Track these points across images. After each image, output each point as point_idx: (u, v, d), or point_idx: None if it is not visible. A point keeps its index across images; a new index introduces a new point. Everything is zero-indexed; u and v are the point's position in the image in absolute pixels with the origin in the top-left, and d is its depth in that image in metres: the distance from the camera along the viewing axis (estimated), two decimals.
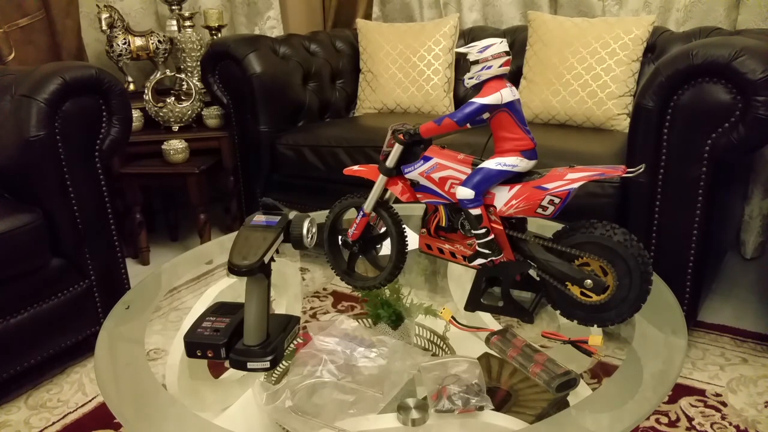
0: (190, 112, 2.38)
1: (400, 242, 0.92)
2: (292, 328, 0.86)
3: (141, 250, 2.34)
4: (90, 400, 1.49)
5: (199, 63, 2.40)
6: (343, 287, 1.97)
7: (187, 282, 1.33)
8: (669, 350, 0.86)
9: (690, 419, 1.33)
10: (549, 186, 0.77)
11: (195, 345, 0.83)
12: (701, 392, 1.42)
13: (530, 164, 0.80)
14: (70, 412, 1.45)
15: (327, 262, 1.00)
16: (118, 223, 1.69)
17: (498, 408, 0.88)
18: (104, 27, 2.37)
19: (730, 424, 1.31)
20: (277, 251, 0.81)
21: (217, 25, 2.51)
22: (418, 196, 0.89)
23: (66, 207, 1.53)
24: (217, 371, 1.08)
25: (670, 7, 2.21)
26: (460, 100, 2.38)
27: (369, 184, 0.91)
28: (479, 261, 0.85)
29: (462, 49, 0.79)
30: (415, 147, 0.87)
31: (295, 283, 1.25)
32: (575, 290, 0.79)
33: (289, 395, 0.84)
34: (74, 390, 1.54)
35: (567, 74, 2.02)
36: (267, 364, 0.79)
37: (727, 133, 1.35)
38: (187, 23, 2.46)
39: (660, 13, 2.21)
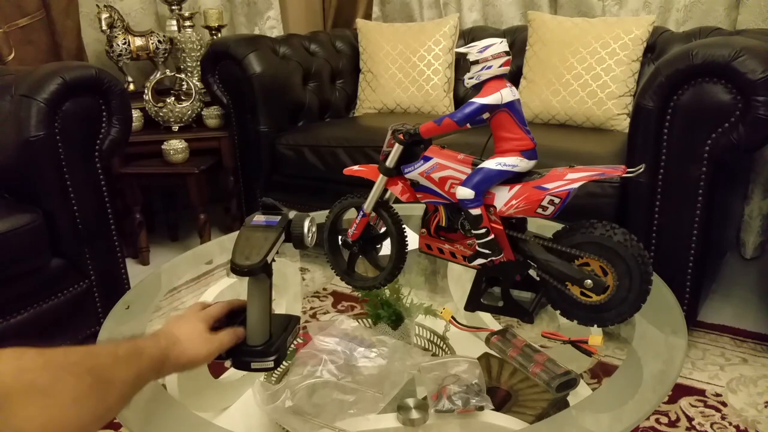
0: (190, 112, 2.38)
1: (400, 242, 0.92)
2: (293, 327, 0.86)
3: (141, 250, 2.34)
4: None
5: (199, 63, 2.40)
6: (343, 287, 1.97)
7: (187, 282, 1.33)
8: (669, 350, 0.86)
9: (690, 419, 1.33)
10: (549, 186, 0.77)
11: None
12: (701, 392, 1.42)
13: (530, 164, 0.80)
14: None
15: (327, 262, 1.00)
16: (118, 223, 1.69)
17: (498, 408, 0.88)
18: (104, 27, 2.37)
19: (730, 424, 1.31)
20: (277, 251, 0.81)
21: (217, 25, 2.51)
22: (418, 196, 0.89)
23: (66, 207, 1.53)
24: (217, 371, 1.08)
25: (670, 7, 2.21)
26: (460, 100, 2.38)
27: (369, 184, 0.91)
28: (479, 261, 0.85)
29: (462, 49, 0.79)
30: (415, 147, 0.87)
31: (295, 283, 1.25)
32: (575, 290, 0.79)
33: (289, 395, 0.84)
34: None
35: (567, 74, 2.02)
36: (271, 364, 0.79)
37: (727, 133, 1.35)
38: (187, 23, 2.46)
39: (660, 13, 2.21)
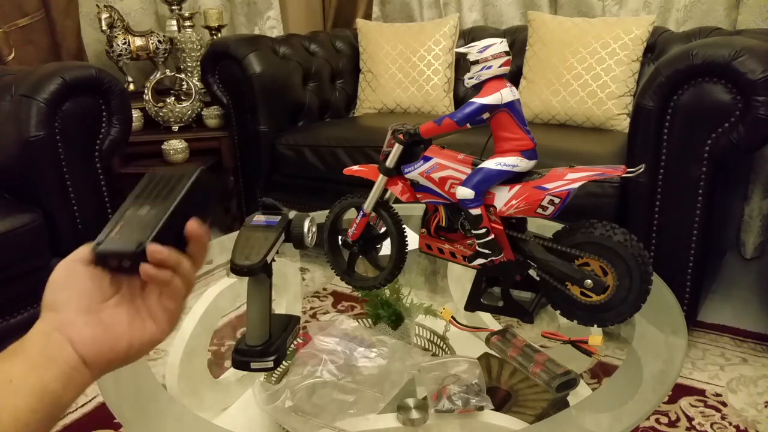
0: (190, 112, 2.38)
1: (400, 242, 0.92)
2: (293, 327, 0.86)
3: None
4: (90, 400, 1.49)
5: (199, 63, 2.40)
6: (343, 287, 1.97)
7: None
8: (669, 350, 0.86)
9: (690, 419, 1.33)
10: (549, 186, 0.77)
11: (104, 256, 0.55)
12: (701, 392, 1.42)
13: (530, 164, 0.80)
14: (70, 412, 1.44)
15: (327, 262, 1.00)
16: None
17: (498, 408, 0.88)
18: (104, 27, 2.37)
19: (730, 424, 1.31)
20: (277, 251, 0.81)
21: (217, 25, 2.51)
22: (418, 196, 0.89)
23: (66, 207, 1.53)
24: (217, 371, 1.08)
25: (670, 7, 2.21)
26: (460, 100, 2.38)
27: (369, 184, 0.91)
28: (479, 261, 0.85)
29: (462, 49, 0.79)
30: (415, 147, 0.87)
31: (295, 283, 1.25)
32: (575, 290, 0.79)
33: (289, 395, 0.84)
34: None
35: (567, 74, 2.02)
36: (270, 364, 0.79)
37: (727, 133, 1.35)
38: (187, 23, 2.46)
39: (660, 13, 2.21)
